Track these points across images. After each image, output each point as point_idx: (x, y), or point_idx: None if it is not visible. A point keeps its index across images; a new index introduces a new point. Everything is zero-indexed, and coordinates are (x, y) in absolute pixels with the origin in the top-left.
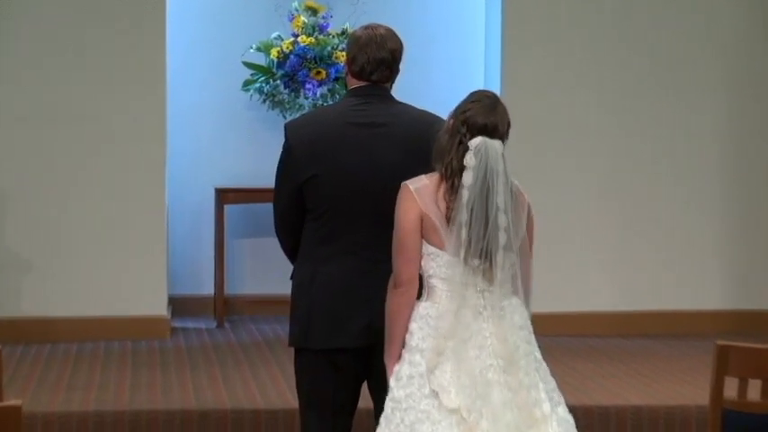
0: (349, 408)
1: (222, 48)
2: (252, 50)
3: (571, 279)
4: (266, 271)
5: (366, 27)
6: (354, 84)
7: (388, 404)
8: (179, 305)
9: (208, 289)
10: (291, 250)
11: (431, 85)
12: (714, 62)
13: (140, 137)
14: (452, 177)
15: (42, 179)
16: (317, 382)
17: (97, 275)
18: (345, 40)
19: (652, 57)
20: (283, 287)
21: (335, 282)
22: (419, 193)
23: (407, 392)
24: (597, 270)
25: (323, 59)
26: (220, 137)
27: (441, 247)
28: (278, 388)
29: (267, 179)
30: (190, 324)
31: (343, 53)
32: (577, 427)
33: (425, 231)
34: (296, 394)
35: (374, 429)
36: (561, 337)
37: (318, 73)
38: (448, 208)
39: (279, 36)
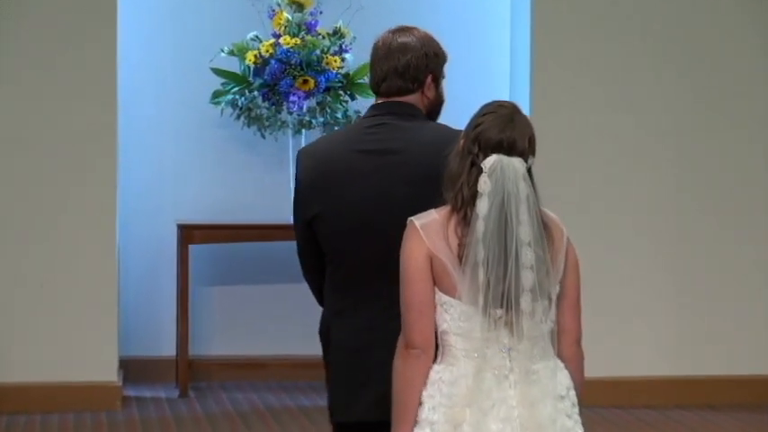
0: None
1: (186, 51)
2: (223, 54)
3: (618, 337)
4: (239, 327)
5: (390, 30)
6: (378, 101)
7: None
8: (133, 369)
9: (168, 349)
10: (318, 294)
11: (449, 100)
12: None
13: (85, 162)
14: (464, 207)
15: None
16: None
17: (33, 334)
18: (338, 42)
19: (701, 75)
20: (259, 347)
21: (346, 341)
22: (426, 229)
23: None
24: (650, 327)
25: (310, 65)
26: (184, 161)
27: (453, 294)
28: None
29: (241, 213)
30: (146, 392)
31: (336, 58)
32: None
33: (436, 276)
34: None
35: None
36: (607, 409)
37: (305, 82)
38: (460, 245)
39: (256, 37)
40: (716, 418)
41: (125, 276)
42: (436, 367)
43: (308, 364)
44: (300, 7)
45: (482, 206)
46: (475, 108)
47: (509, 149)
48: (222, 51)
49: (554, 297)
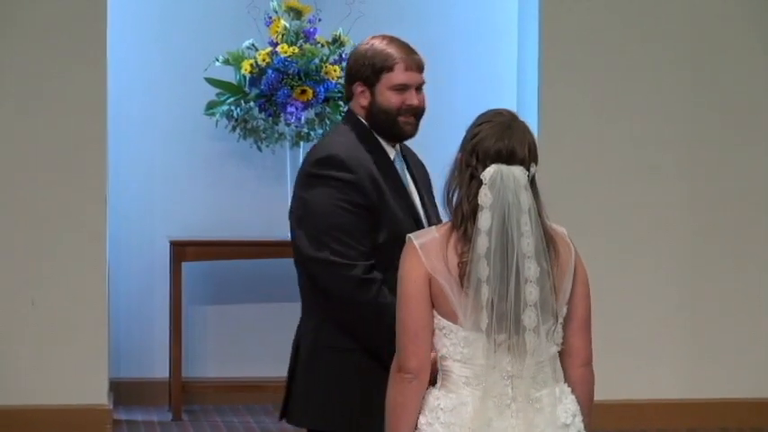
0: None
1: (179, 60)
2: (218, 63)
3: (627, 359)
4: (234, 348)
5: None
6: None
7: None
8: (124, 392)
9: (160, 371)
10: None
11: (456, 111)
12: None
13: (74, 176)
14: (465, 222)
15: None
16: None
17: (20, 355)
18: (338, 51)
19: (715, 85)
20: (255, 368)
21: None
22: (425, 249)
23: None
24: (660, 348)
25: (309, 75)
26: (177, 175)
27: (453, 319)
28: None
29: (236, 229)
30: (138, 415)
31: (335, 67)
32: None
33: (434, 299)
34: None
35: None
36: None
37: (303, 92)
38: (460, 263)
39: (252, 45)
40: None
41: (115, 295)
42: (436, 393)
43: None
44: (298, 14)
45: (483, 220)
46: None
47: (509, 158)
48: (217, 60)
49: (561, 318)
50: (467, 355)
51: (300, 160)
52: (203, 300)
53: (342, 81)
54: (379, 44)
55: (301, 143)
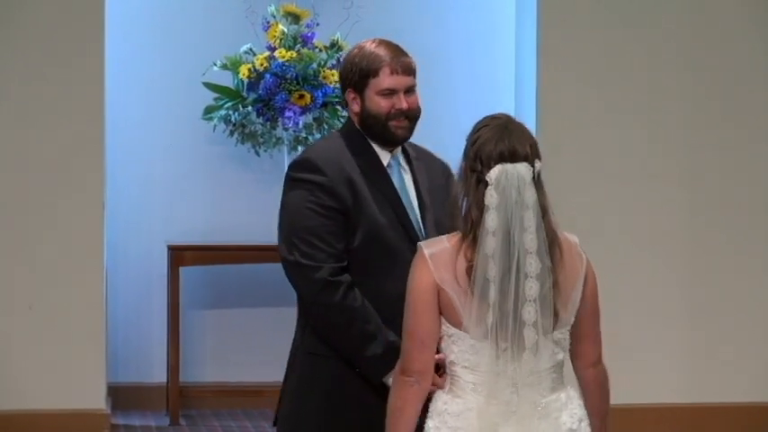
0: None
1: (177, 65)
2: (216, 68)
3: (628, 364)
4: (232, 352)
5: None
6: None
7: None
8: (122, 396)
9: (158, 376)
10: None
11: (454, 115)
12: None
13: (71, 180)
14: (474, 228)
15: None
16: None
17: (17, 359)
18: (335, 55)
19: (715, 84)
20: (253, 373)
21: None
22: (434, 259)
23: None
24: (661, 353)
25: (307, 80)
26: (175, 179)
27: (460, 327)
28: None
29: (234, 234)
30: (135, 420)
31: (333, 71)
32: None
33: (442, 307)
34: None
35: None
36: None
37: (301, 97)
38: (468, 267)
39: (250, 50)
40: None
41: (113, 299)
42: (444, 397)
43: None
44: (296, 19)
45: (490, 221)
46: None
47: (511, 158)
48: (215, 65)
49: (569, 326)
50: (473, 362)
51: None
52: (201, 304)
53: (338, 86)
54: (368, 48)
55: (299, 147)
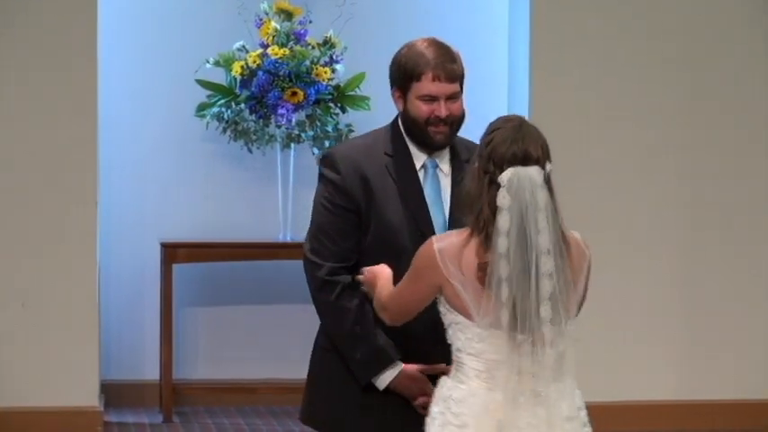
0: None
1: (169, 62)
2: (208, 65)
3: (620, 361)
4: (225, 350)
5: None
6: None
7: None
8: (115, 394)
9: (151, 373)
10: None
11: None
12: None
13: (64, 178)
14: (486, 227)
15: None
16: None
17: (10, 357)
18: (328, 53)
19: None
20: (247, 370)
21: None
22: (443, 254)
23: None
24: (652, 350)
25: (299, 77)
26: (167, 177)
27: (465, 314)
28: None
29: (227, 231)
30: (129, 417)
31: (326, 69)
32: None
33: (449, 299)
34: None
35: None
36: None
37: (294, 94)
38: (480, 267)
39: (243, 47)
40: None
41: (106, 297)
42: (449, 383)
43: (297, 388)
44: (289, 16)
45: (503, 222)
46: (472, 121)
47: (523, 160)
48: (207, 62)
49: (572, 315)
50: (479, 350)
51: (291, 162)
52: (194, 302)
53: (331, 83)
54: (417, 48)
55: (292, 145)
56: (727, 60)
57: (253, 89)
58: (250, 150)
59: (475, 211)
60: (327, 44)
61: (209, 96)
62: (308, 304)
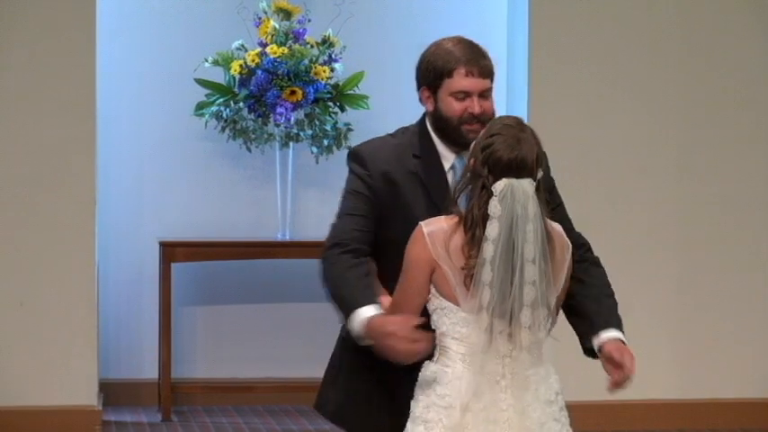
0: None
1: (168, 61)
2: (207, 64)
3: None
4: (224, 349)
5: None
6: None
7: None
8: (113, 392)
9: (150, 372)
10: None
11: None
12: None
13: (62, 177)
14: (474, 227)
15: None
16: None
17: (9, 356)
18: (327, 51)
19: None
20: (245, 369)
21: None
22: (432, 237)
23: None
24: (650, 348)
25: (298, 76)
26: (166, 176)
27: (453, 300)
28: None
29: (226, 230)
30: (127, 416)
31: (325, 68)
32: None
33: (436, 282)
34: None
35: None
36: None
37: (293, 93)
38: (466, 265)
39: (242, 46)
40: None
41: (105, 296)
42: (433, 367)
43: (295, 387)
44: (288, 15)
45: (492, 230)
46: None
47: (519, 169)
48: (206, 61)
49: (552, 307)
50: (464, 335)
51: (290, 161)
52: (193, 300)
53: (330, 82)
54: (445, 46)
55: (291, 144)
56: (724, 61)
57: (251, 88)
58: (249, 149)
59: (465, 208)
60: (326, 43)
61: (207, 95)
62: (307, 303)
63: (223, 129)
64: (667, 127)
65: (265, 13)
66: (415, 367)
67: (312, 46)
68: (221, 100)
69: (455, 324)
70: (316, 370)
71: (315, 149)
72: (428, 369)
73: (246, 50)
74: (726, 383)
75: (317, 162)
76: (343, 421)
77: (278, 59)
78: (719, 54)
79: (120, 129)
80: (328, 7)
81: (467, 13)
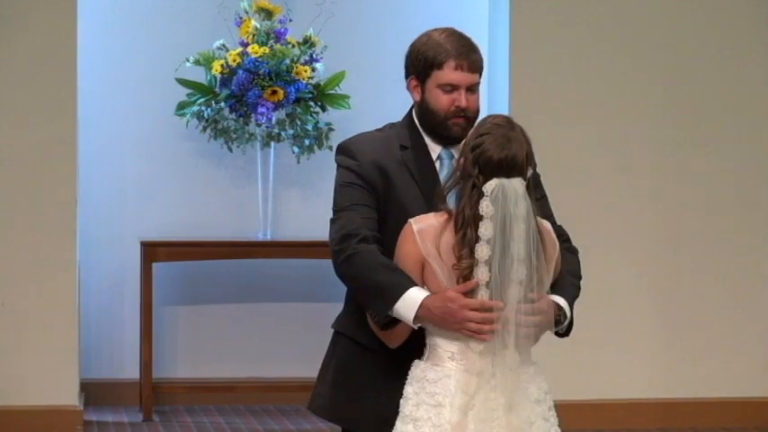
0: None
1: (149, 60)
2: (188, 64)
3: (601, 360)
4: (205, 349)
5: None
6: None
7: None
8: (94, 392)
9: (131, 372)
10: None
11: None
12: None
13: (43, 177)
14: (464, 227)
15: None
16: None
17: None
18: (308, 51)
19: (699, 81)
20: (226, 369)
21: None
22: (422, 234)
23: None
24: (633, 349)
25: (279, 75)
26: (147, 175)
27: None
28: None
29: (207, 230)
30: (108, 416)
31: (306, 67)
32: None
33: (426, 279)
34: None
35: None
36: None
37: (274, 93)
38: (456, 265)
39: (223, 45)
40: None
41: (86, 296)
42: (423, 365)
43: (277, 387)
44: (269, 15)
45: (485, 230)
46: None
47: (509, 168)
48: (187, 61)
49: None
50: (453, 333)
51: (271, 160)
52: (174, 300)
53: (311, 82)
54: (437, 37)
55: (272, 143)
56: (712, 61)
57: (233, 88)
58: (230, 149)
59: (456, 208)
60: (307, 43)
61: (189, 95)
62: (289, 303)
63: (204, 128)
64: (651, 126)
65: (246, 12)
66: (406, 365)
67: (293, 46)
68: (202, 100)
69: None
70: (298, 370)
71: (296, 149)
72: (417, 367)
73: (228, 50)
74: (708, 383)
75: (299, 162)
76: (337, 419)
77: (259, 59)
78: (703, 53)
79: (102, 128)
80: (309, 7)
81: (448, 12)
